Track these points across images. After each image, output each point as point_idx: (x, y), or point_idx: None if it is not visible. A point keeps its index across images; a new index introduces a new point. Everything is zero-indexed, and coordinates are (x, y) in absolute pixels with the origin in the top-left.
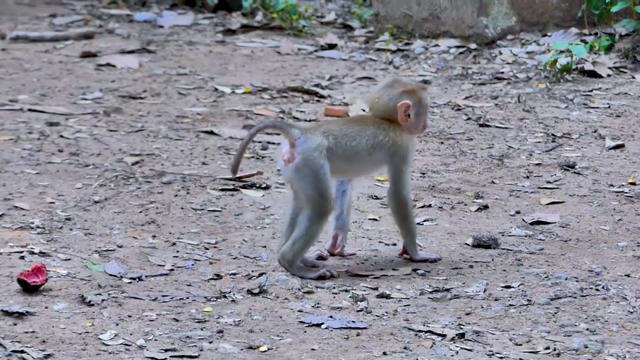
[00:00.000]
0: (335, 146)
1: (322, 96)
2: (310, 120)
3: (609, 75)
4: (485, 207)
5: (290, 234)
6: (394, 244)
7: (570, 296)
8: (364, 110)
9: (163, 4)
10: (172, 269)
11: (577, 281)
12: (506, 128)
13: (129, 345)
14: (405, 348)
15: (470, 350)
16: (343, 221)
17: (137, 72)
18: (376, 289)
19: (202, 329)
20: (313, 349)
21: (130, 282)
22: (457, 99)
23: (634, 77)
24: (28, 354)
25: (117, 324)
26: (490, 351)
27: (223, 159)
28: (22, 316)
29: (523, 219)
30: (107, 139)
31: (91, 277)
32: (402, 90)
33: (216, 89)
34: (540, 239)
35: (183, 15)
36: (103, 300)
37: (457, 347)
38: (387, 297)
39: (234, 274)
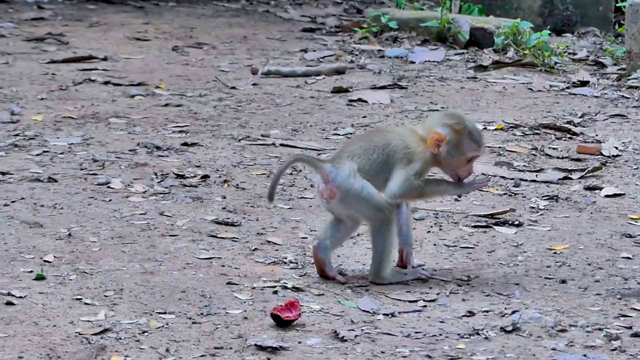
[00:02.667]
0: (362, 164)
1: (574, 133)
2: (564, 158)
3: None
4: None
5: (332, 233)
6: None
7: None
8: (616, 148)
9: (414, 40)
10: (424, 306)
11: None
12: None
13: None
14: None
15: None
16: (405, 235)
17: (388, 108)
18: (630, 327)
19: None
20: None
21: (382, 318)
22: None
23: None
24: None
25: None
26: None
27: (475, 195)
28: (276, 351)
29: None
30: None
31: (344, 313)
32: (446, 121)
33: None
34: None
35: (434, 51)
36: (356, 335)
37: None
38: None
39: (487, 311)
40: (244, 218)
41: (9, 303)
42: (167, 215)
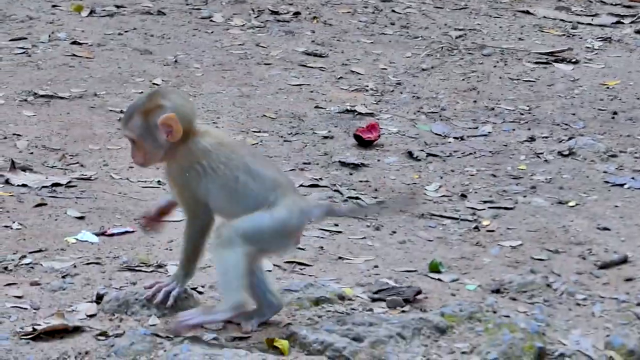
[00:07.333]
0: None
1: None
2: (616, 5)
3: None
4: None
5: None
6: None
7: None
8: None
9: None
10: (490, 131)
11: None
12: None
13: (451, 197)
14: None
15: None
16: None
17: None
18: None
19: (517, 184)
20: (616, 206)
21: (453, 141)
22: None
23: None
24: (362, 200)
25: (441, 177)
26: None
27: (537, 35)
28: (357, 167)
29: None
30: (434, 14)
31: (418, 135)
32: None
33: None
34: None
35: None
36: (428, 155)
37: None
38: None
39: (547, 137)
40: (331, 50)
41: None
42: (263, 46)
